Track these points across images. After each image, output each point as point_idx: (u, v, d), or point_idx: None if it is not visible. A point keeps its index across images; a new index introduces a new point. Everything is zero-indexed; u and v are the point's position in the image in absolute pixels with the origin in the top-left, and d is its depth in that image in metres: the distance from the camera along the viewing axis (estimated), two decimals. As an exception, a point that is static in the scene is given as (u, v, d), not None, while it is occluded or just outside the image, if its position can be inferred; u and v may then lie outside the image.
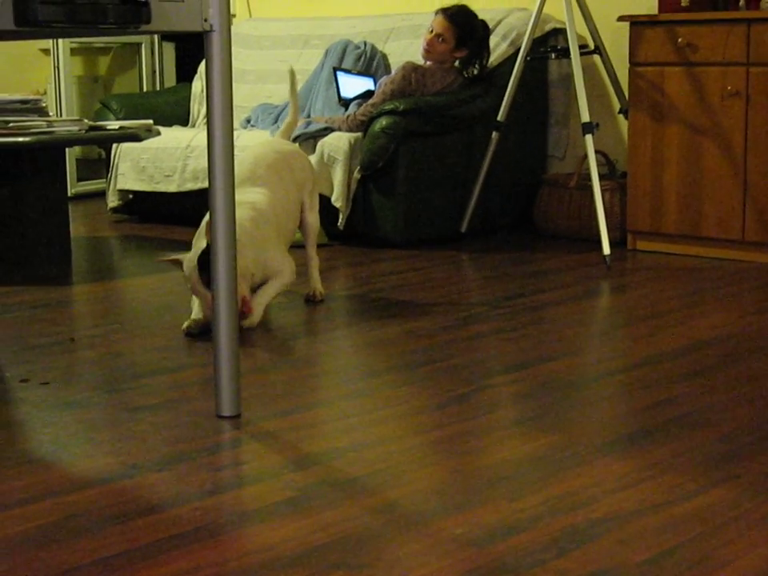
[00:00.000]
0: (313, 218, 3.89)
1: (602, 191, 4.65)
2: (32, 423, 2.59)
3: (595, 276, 4.23)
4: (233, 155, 2.55)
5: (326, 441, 2.43)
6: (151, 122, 4.89)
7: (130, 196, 5.73)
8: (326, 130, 5.00)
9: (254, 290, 3.50)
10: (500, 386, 2.82)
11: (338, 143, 4.92)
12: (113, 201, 5.79)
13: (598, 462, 2.27)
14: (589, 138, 4.48)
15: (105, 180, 5.81)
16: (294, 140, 4.93)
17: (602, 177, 4.84)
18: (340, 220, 4.93)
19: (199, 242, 3.36)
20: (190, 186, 5.36)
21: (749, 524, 1.98)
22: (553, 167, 5.40)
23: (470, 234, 5.05)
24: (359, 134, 4.94)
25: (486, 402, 2.68)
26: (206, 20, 2.48)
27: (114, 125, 4.77)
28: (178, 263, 3.39)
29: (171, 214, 5.55)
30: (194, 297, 3.44)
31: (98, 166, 6.56)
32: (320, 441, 2.43)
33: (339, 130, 4.99)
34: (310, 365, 3.06)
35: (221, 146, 2.52)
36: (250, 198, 3.59)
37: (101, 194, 6.11)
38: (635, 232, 4.76)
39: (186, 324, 3.37)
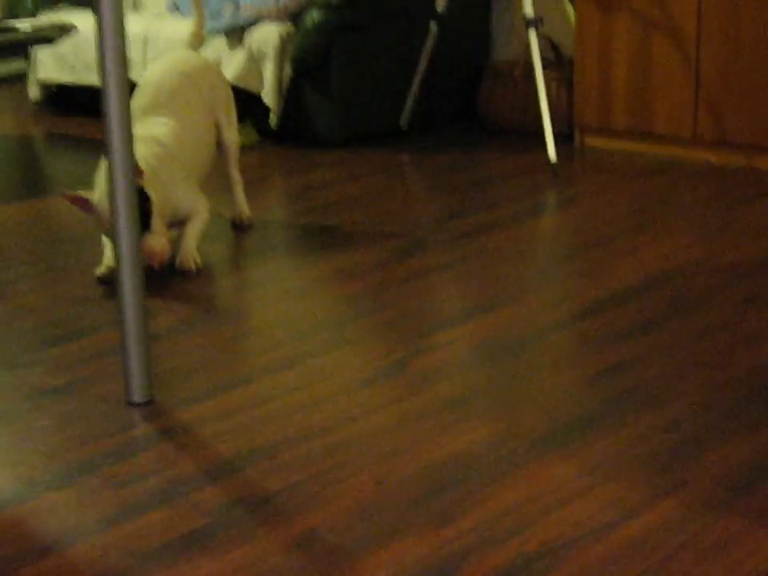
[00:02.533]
0: (231, 136, 3.62)
1: (548, 81, 4.42)
2: (-75, 416, 2.38)
3: (541, 186, 4.02)
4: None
5: (242, 438, 2.24)
6: (70, 21, 4.56)
7: (54, 89, 5.41)
8: (255, 21, 4.69)
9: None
10: (434, 349, 2.63)
11: (267, 36, 4.62)
12: (34, 92, 5.48)
13: (534, 465, 2.10)
14: (532, 32, 4.20)
15: (26, 61, 5.47)
16: (222, 33, 4.63)
17: (547, 64, 4.58)
18: (271, 118, 4.66)
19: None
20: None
21: (698, 554, 1.82)
22: (497, 53, 5.12)
23: (412, 130, 4.81)
24: (290, 26, 4.63)
25: (416, 375, 2.49)
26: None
27: (24, 24, 4.43)
28: (84, 203, 3.11)
29: (97, 108, 5.25)
30: (105, 239, 3.20)
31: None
32: (236, 438, 2.24)
33: (269, 20, 4.68)
34: (232, 321, 2.85)
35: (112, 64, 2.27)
36: (153, 131, 3.30)
37: (23, 78, 5.77)
38: (583, 128, 4.53)
39: (99, 271, 3.14)
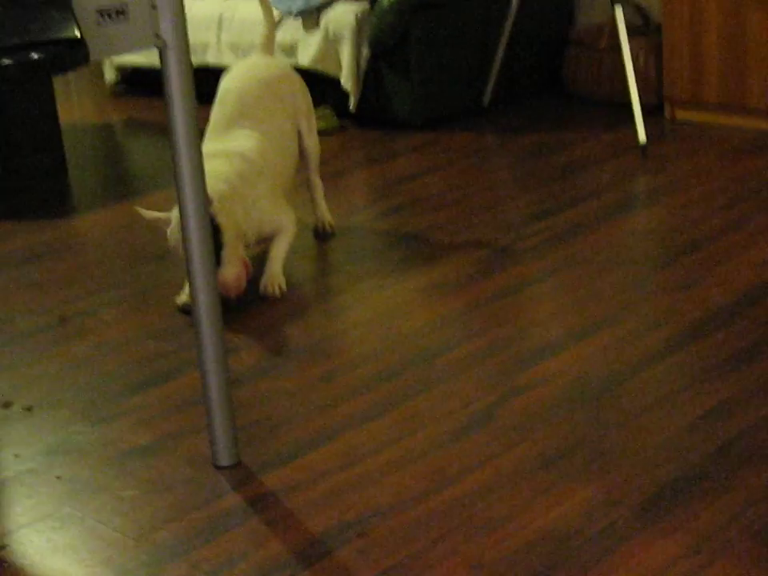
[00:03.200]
0: (311, 143, 3.51)
1: (635, 50, 4.25)
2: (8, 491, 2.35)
3: (631, 171, 3.88)
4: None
5: (332, 509, 2.17)
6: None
7: (129, 71, 5.35)
8: (330, 2, 4.56)
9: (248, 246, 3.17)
10: (527, 389, 2.53)
11: (343, 18, 4.50)
12: (110, 75, 5.42)
13: (636, 541, 2.01)
14: (618, 9, 4.03)
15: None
16: (297, 15, 4.51)
17: (634, 32, 4.40)
18: (351, 102, 4.55)
19: None
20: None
21: None
22: (581, 21, 4.92)
23: (494, 106, 4.67)
24: (366, 6, 4.50)
25: (509, 423, 2.40)
26: (157, 36, 2.10)
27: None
28: (163, 223, 3.03)
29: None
30: None
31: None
32: (326, 509, 2.17)
33: (345, 0, 4.55)
34: (317, 358, 2.77)
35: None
36: (236, 146, 3.18)
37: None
38: (673, 100, 4.35)
39: (180, 300, 3.08)
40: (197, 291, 2.24)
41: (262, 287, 3.13)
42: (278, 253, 3.19)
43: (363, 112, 4.62)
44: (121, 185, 4.26)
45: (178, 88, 2.13)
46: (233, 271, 2.96)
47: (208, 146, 3.16)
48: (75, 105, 5.42)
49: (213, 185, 2.90)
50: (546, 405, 2.46)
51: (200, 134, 2.21)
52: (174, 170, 2.18)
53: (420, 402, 2.52)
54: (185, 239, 2.21)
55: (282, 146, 3.30)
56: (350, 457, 2.34)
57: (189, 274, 2.23)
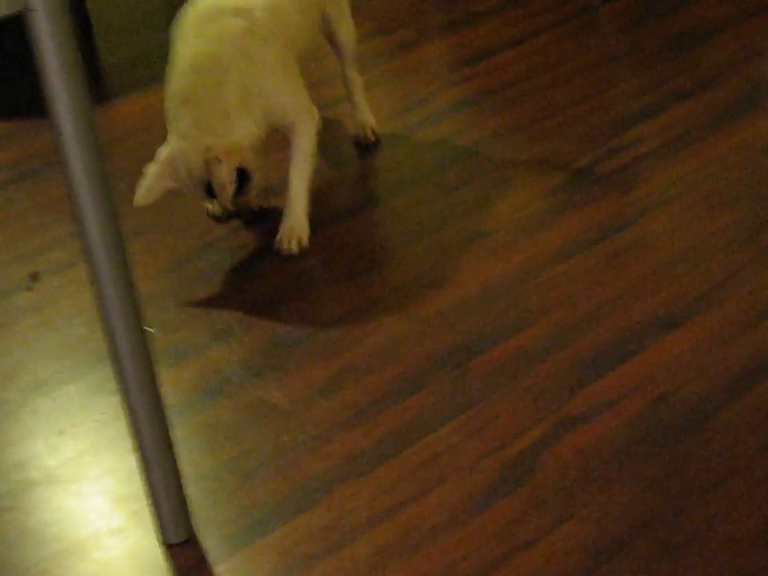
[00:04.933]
0: (344, 28, 2.81)
1: None
2: None
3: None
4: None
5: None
6: None
7: None
8: None
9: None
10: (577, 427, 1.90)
11: None
12: None
13: None
14: None
15: None
16: None
17: None
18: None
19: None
20: None
21: None
22: None
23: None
24: None
25: (537, 490, 1.78)
26: (14, -3, 1.45)
27: None
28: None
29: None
30: None
31: None
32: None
33: None
34: (326, 360, 2.17)
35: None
36: (238, 1, 2.47)
37: None
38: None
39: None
40: (113, 330, 1.64)
41: (277, 241, 2.49)
42: (299, 181, 2.49)
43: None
44: (148, 66, 3.63)
45: (55, 71, 1.49)
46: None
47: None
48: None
49: (209, 119, 2.33)
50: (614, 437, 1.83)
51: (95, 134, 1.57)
52: (68, 189, 1.56)
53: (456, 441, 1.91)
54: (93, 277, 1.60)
55: (299, 10, 2.58)
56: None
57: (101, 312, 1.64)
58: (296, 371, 2.10)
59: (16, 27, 3.49)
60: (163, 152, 2.36)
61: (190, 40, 2.40)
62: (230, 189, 2.31)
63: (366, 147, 2.87)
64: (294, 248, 2.46)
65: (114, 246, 1.57)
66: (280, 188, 2.63)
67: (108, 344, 1.61)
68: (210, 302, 2.33)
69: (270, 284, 2.37)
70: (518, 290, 2.23)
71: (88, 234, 1.55)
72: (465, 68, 3.21)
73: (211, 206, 2.49)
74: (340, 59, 2.86)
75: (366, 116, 2.88)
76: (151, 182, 2.35)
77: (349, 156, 2.85)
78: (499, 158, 2.71)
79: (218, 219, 2.52)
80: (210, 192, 2.35)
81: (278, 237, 2.48)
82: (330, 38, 2.81)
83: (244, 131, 2.36)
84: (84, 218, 1.56)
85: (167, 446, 1.70)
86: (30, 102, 3.38)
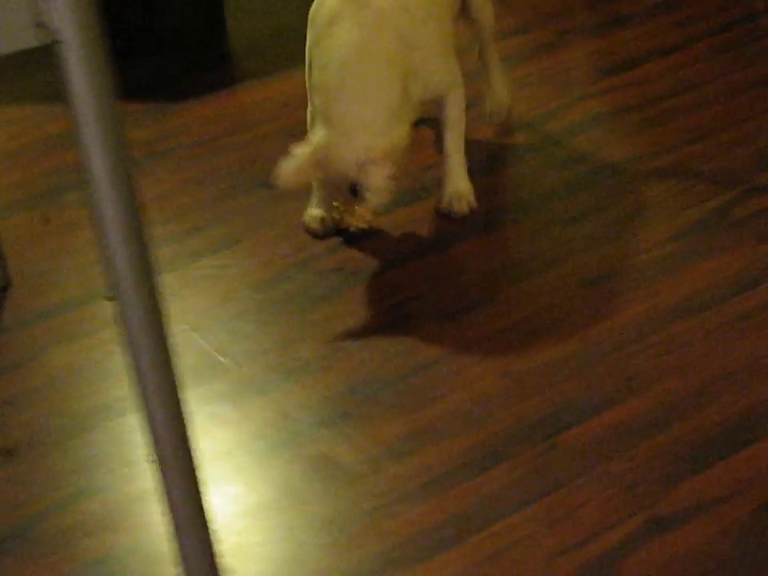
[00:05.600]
0: (487, 7, 2.66)
1: None
2: None
3: None
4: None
5: None
6: None
7: None
8: None
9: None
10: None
11: None
12: None
13: None
14: None
15: None
16: None
17: None
18: (577, -56, 3.53)
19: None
20: None
21: None
22: None
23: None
24: None
25: None
26: (39, 25, 1.28)
27: None
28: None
29: None
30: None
31: None
32: None
33: None
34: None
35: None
36: None
37: None
38: None
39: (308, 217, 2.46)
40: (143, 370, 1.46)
41: (445, 202, 2.43)
42: (456, 146, 2.43)
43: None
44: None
45: (87, 103, 1.32)
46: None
47: None
48: None
49: (357, 131, 2.16)
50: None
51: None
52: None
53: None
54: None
55: None
56: None
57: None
58: (368, 425, 1.91)
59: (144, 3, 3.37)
60: (313, 139, 2.18)
61: (343, 25, 2.21)
62: (385, 196, 2.14)
63: (502, 123, 2.74)
64: (465, 209, 2.42)
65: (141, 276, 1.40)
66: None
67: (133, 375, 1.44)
68: (291, 332, 2.16)
69: (359, 316, 2.18)
70: (626, 350, 2.00)
71: (116, 270, 1.38)
72: (605, 78, 2.95)
73: (336, 213, 2.39)
74: (477, 35, 2.69)
75: (504, 94, 2.74)
76: (299, 165, 2.17)
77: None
78: (628, 187, 2.46)
79: (317, 234, 2.37)
80: (354, 193, 2.20)
81: (444, 201, 2.43)
82: (467, 11, 2.63)
83: (402, 131, 2.18)
84: (119, 275, 1.39)
85: (200, 511, 1.53)
86: (160, 83, 3.25)
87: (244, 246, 2.45)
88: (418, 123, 2.62)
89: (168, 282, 2.34)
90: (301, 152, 2.17)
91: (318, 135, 2.19)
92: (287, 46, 3.36)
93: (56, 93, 3.23)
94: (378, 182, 2.12)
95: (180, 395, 1.43)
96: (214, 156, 2.80)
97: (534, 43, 3.19)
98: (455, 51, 2.38)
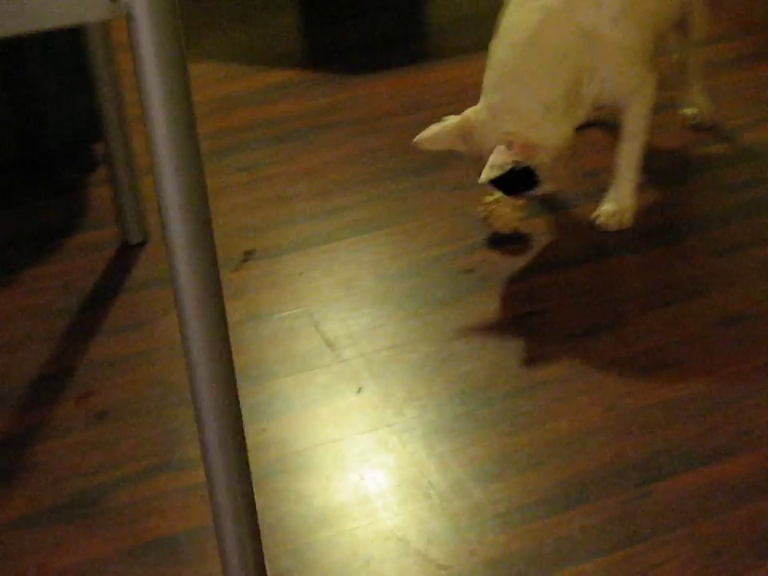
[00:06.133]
0: (699, 2, 2.52)
1: None
2: None
3: None
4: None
5: None
6: None
7: None
8: None
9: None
10: None
11: None
12: None
13: None
14: None
15: None
16: None
17: None
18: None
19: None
20: None
21: None
22: None
23: None
24: None
25: None
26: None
27: None
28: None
29: None
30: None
31: None
32: None
33: None
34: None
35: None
36: None
37: None
38: None
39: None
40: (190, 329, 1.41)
41: (599, 214, 2.32)
42: (629, 158, 2.29)
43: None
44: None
45: (156, 86, 1.26)
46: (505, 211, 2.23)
47: None
48: None
49: (514, 117, 2.09)
50: None
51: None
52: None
53: None
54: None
55: None
56: None
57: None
58: (459, 442, 1.82)
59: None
60: (468, 113, 2.12)
61: (530, 4, 2.13)
62: (492, 173, 2.04)
63: (701, 127, 2.65)
64: (614, 226, 2.31)
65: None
66: (530, 212, 2.34)
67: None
68: (403, 332, 2.08)
69: (479, 323, 2.09)
70: (747, 401, 1.85)
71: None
72: (801, 100, 2.76)
73: (482, 212, 2.32)
74: (687, 35, 2.57)
75: (703, 99, 2.65)
76: (441, 130, 2.13)
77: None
78: (797, 221, 2.29)
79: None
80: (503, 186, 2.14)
81: (599, 210, 2.33)
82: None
83: (557, 131, 2.09)
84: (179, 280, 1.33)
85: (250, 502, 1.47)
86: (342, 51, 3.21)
87: (382, 233, 2.38)
88: (597, 124, 2.51)
89: (296, 261, 2.29)
90: (450, 120, 2.11)
91: (473, 108, 2.12)
92: (484, 28, 3.27)
93: (233, 53, 3.23)
94: (496, 160, 2.02)
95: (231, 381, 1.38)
96: (373, 135, 2.74)
97: (739, 53, 3.01)
98: (651, 59, 2.24)
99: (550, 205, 2.42)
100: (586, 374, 1.94)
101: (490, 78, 2.13)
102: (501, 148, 2.04)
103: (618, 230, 2.31)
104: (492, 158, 2.03)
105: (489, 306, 2.13)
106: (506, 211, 2.29)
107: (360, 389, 1.94)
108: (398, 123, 2.79)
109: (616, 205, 2.31)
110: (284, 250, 2.35)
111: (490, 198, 2.31)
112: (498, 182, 2.13)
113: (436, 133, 2.12)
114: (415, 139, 2.13)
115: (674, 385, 1.89)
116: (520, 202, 2.32)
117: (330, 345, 2.05)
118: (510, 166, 2.05)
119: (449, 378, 1.95)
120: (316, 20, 3.44)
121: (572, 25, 2.11)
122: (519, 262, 2.25)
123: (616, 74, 2.17)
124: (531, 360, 1.98)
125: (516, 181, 2.11)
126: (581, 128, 2.63)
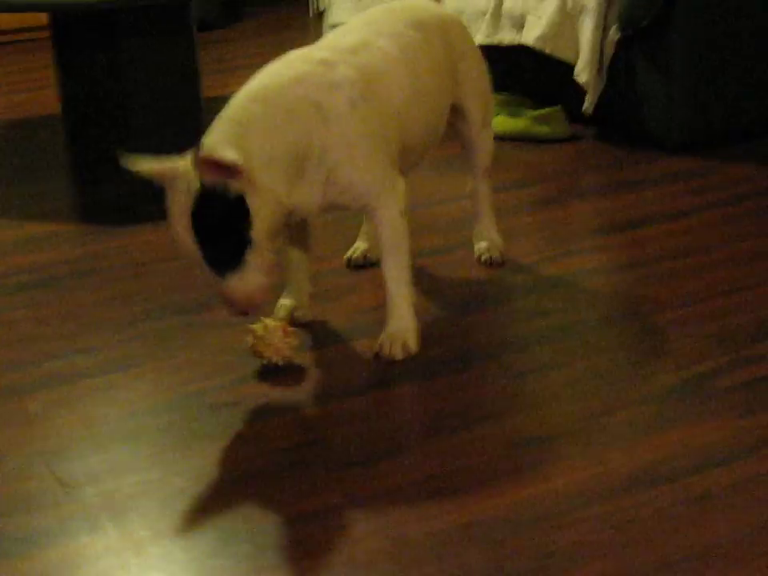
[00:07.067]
0: (483, 136, 2.39)
1: None
2: None
3: None
4: None
5: None
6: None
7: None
8: (577, -41, 3.27)
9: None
10: None
11: (589, -19, 3.19)
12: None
13: None
14: None
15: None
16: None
17: None
18: (587, 101, 3.25)
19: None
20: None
21: None
22: None
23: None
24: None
25: None
26: None
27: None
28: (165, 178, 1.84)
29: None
30: None
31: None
32: None
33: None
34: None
35: None
36: (362, 57, 2.02)
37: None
38: None
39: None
40: None
41: (378, 345, 2.06)
42: (395, 275, 2.06)
43: (605, 117, 3.30)
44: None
45: None
46: (257, 281, 1.84)
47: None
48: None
49: (239, 132, 1.83)
50: None
51: None
52: None
53: None
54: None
55: (425, 89, 2.14)
56: None
57: None
58: None
59: None
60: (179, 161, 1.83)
61: (269, 71, 1.96)
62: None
63: (491, 264, 2.47)
64: (399, 353, 2.05)
65: None
66: (303, 344, 2.10)
67: None
68: (150, 470, 1.77)
69: (238, 458, 1.79)
70: (552, 523, 1.59)
71: None
72: (605, 235, 2.63)
73: (251, 339, 2.06)
74: (472, 169, 2.44)
75: (493, 235, 2.49)
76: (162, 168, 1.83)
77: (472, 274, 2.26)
78: (604, 344, 2.09)
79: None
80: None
81: (380, 339, 2.07)
82: (465, 142, 2.40)
83: (277, 178, 1.85)
84: None
85: None
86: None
87: (136, 371, 2.09)
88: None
89: (37, 400, 1.99)
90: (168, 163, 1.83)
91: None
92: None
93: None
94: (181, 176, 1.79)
95: None
96: (135, 280, 2.50)
97: (533, 198, 2.89)
98: (396, 165, 2.05)
99: (327, 338, 2.17)
100: (363, 502, 1.66)
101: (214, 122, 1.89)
102: (184, 164, 1.78)
103: (404, 359, 2.06)
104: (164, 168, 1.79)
105: (252, 439, 1.84)
106: (277, 336, 2.03)
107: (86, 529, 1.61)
108: (162, 269, 2.56)
109: (393, 331, 2.07)
110: (26, 390, 2.04)
111: (257, 325, 2.06)
112: (199, 223, 1.80)
113: (150, 168, 1.82)
114: (136, 167, 1.83)
115: (459, 511, 1.63)
116: (290, 328, 2.07)
117: (63, 484, 1.73)
118: (195, 190, 1.76)
119: (206, 514, 1.65)
120: (88, 178, 3.24)
121: (304, 95, 1.90)
122: (293, 393, 1.98)
123: (349, 164, 1.93)
124: (301, 492, 1.69)
125: (218, 221, 1.80)
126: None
